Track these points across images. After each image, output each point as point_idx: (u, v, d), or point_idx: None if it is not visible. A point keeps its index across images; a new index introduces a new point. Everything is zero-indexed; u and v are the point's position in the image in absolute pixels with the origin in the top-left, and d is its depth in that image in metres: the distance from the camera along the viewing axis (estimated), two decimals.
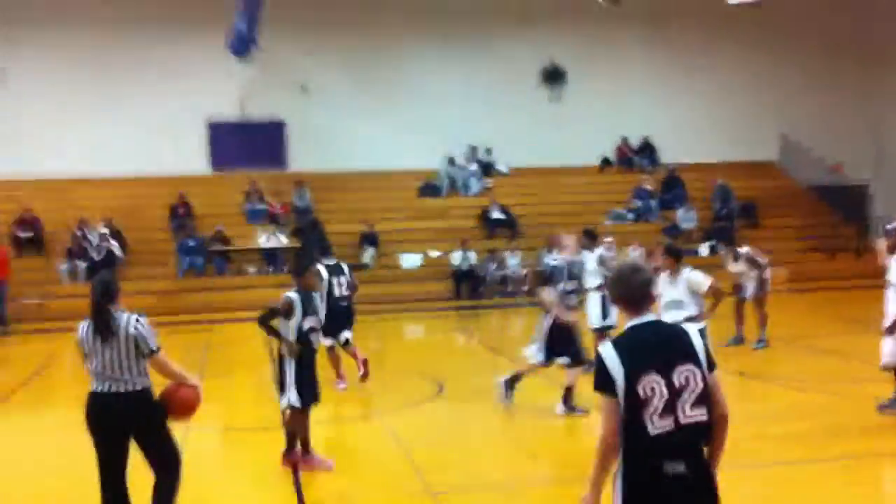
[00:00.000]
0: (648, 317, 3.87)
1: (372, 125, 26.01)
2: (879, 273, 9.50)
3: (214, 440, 9.79)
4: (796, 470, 7.69)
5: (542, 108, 27.09)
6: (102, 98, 24.86)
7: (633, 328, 3.86)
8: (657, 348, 3.79)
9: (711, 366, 3.84)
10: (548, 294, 9.65)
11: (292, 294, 7.74)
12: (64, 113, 24.53)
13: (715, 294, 9.01)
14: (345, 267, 11.73)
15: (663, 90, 28.08)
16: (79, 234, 21.61)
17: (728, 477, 7.44)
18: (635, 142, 28.19)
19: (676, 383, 3.72)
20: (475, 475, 7.79)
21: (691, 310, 8.58)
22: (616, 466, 3.83)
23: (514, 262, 22.69)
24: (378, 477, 7.76)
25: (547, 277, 9.70)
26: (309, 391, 7.73)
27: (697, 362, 3.77)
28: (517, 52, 27.02)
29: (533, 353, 9.77)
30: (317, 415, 8.19)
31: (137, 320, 5.63)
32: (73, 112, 24.60)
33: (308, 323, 7.74)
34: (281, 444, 8.79)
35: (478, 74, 26.93)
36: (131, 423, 5.64)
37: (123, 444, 5.71)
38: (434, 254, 23.30)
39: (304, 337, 7.70)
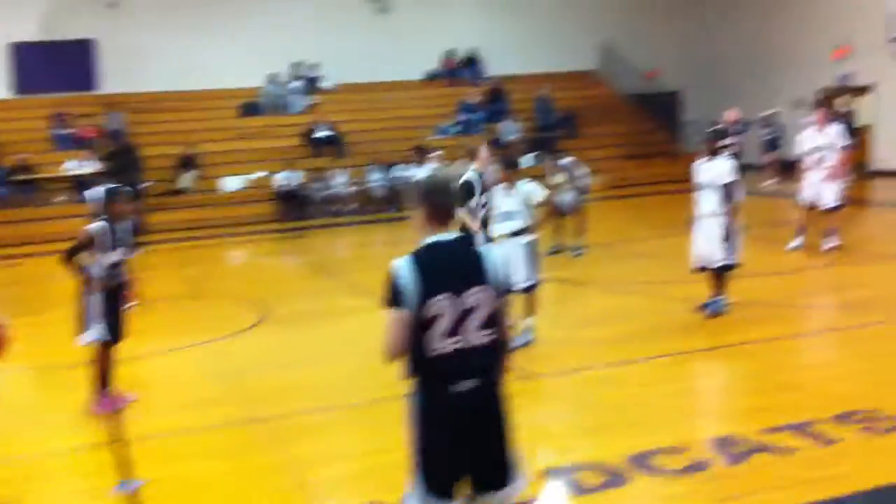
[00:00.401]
0: (450, 234, 3.78)
1: (189, 42, 24.82)
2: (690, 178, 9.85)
3: (26, 380, 9.29)
4: (613, 371, 7.96)
5: (367, 21, 26.59)
6: None
7: (434, 245, 3.76)
8: (454, 268, 3.72)
9: (505, 290, 3.82)
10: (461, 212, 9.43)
11: (95, 225, 7.27)
12: None
13: (547, 206, 9.15)
14: None
15: (487, 2, 28.03)
16: None
17: (546, 382, 7.70)
18: (460, 55, 28.12)
19: (467, 304, 3.67)
20: (301, 398, 7.67)
21: (522, 221, 8.61)
22: (409, 388, 3.79)
23: (340, 181, 22.38)
24: (201, 407, 7.51)
25: (467, 192, 9.11)
26: (115, 327, 7.37)
27: (490, 285, 3.73)
28: None
29: None
30: (133, 348, 7.85)
31: None
32: None
33: (114, 256, 7.33)
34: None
35: None
36: None
37: None
38: (257, 175, 22.64)
39: (110, 271, 7.31)
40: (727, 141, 9.70)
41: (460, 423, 3.69)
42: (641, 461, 5.72)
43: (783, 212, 18.68)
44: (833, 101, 19.47)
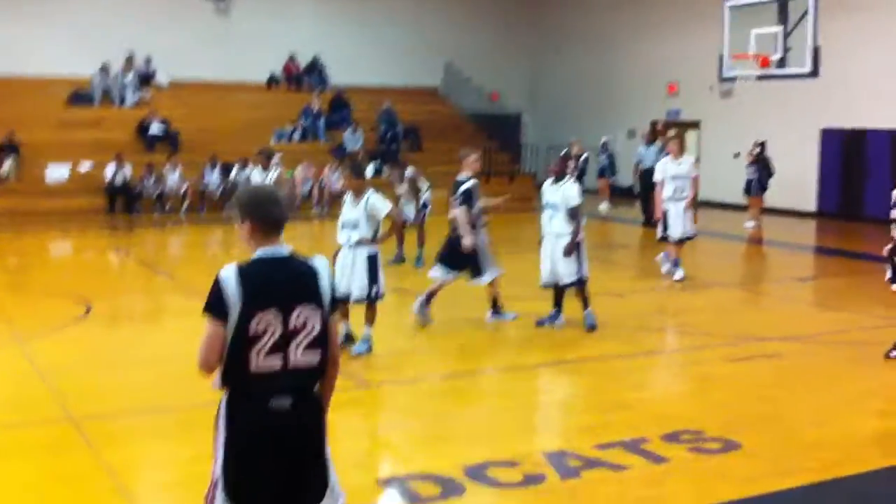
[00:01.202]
0: (281, 249, 3.59)
1: (18, 26, 23.49)
2: (529, 197, 10.04)
3: None
4: (450, 382, 7.96)
5: (208, 20, 25.97)
6: None
7: (261, 259, 3.57)
8: (282, 284, 3.53)
9: (331, 309, 3.65)
10: (462, 213, 9.48)
11: None
12: None
13: (393, 219, 9.07)
14: None
15: (334, 11, 27.86)
16: None
17: (383, 391, 7.61)
18: (304, 60, 27.80)
19: (292, 324, 3.50)
20: (125, 400, 7.28)
21: (365, 232, 8.47)
22: (219, 407, 3.58)
23: (173, 177, 21.62)
24: (10, 405, 7.00)
25: (466, 197, 9.50)
26: None
27: (320, 304, 3.57)
28: None
29: (437, 271, 9.85)
30: None
31: None
32: None
33: None
34: None
35: None
36: None
37: None
38: (85, 167, 21.57)
39: None
40: (571, 165, 9.94)
41: (272, 440, 3.50)
42: (477, 473, 5.70)
43: (617, 234, 19.43)
44: (666, 133, 20.32)
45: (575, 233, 9.40)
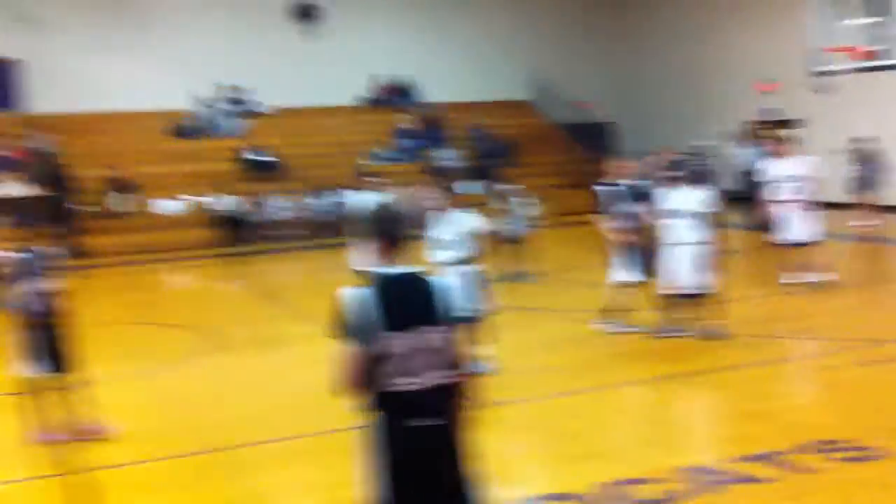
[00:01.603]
0: (405, 266, 3.65)
1: (117, 63, 24.33)
2: None
3: None
4: (572, 399, 7.91)
5: (296, 45, 26.45)
6: None
7: (388, 277, 3.61)
8: (411, 303, 3.58)
9: (459, 324, 3.69)
10: (607, 222, 9.89)
11: (16, 253, 6.90)
12: None
13: (487, 236, 9.07)
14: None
15: (421, 29, 28.09)
16: None
17: (505, 411, 7.60)
18: (393, 81, 28.10)
19: (423, 342, 3.54)
20: (256, 428, 7.44)
21: (462, 251, 8.47)
22: (365, 430, 3.64)
23: (278, 205, 22.09)
24: (153, 438, 7.23)
25: (609, 202, 9.87)
26: (51, 360, 6.95)
27: (448, 322, 3.61)
28: None
29: (622, 275, 9.94)
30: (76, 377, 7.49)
31: None
32: None
33: (40, 285, 6.88)
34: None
35: (226, 8, 25.75)
36: None
37: None
38: (190, 199, 22.20)
39: (36, 301, 6.87)
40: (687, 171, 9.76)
41: (418, 459, 3.56)
42: (614, 491, 5.65)
43: (726, 239, 18.98)
44: (776, 133, 19.75)
45: (712, 241, 9.29)
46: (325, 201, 22.41)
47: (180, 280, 17.75)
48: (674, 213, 9.37)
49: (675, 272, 9.39)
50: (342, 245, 19.99)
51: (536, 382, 8.51)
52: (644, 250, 9.78)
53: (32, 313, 6.87)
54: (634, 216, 9.86)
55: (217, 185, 21.90)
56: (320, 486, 6.14)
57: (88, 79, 23.99)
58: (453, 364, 3.61)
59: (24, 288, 6.81)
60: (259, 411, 7.95)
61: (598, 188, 10.18)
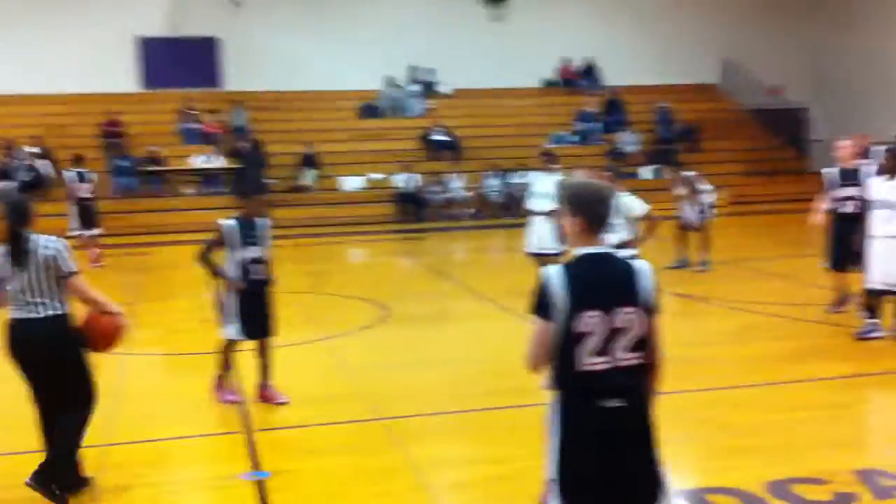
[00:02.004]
0: (603, 247, 3.64)
1: (310, 44, 25.32)
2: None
3: (153, 366, 9.51)
4: (748, 392, 7.68)
5: (484, 27, 26.67)
6: (29, 14, 23.74)
7: (586, 257, 3.61)
8: (606, 283, 3.56)
9: (655, 310, 3.64)
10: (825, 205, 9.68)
11: (227, 221, 7.16)
12: None
13: (649, 220, 8.91)
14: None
15: (606, 11, 27.74)
16: (5, 155, 20.73)
17: (676, 401, 7.47)
18: (578, 63, 27.88)
19: (616, 324, 3.51)
20: (424, 400, 7.64)
21: (623, 234, 8.37)
22: (550, 408, 3.65)
23: (456, 184, 22.43)
24: (323, 403, 7.55)
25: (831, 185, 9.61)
26: (252, 324, 7.26)
27: (642, 305, 3.56)
28: None
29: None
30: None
31: (55, 240, 5.30)
32: None
33: (250, 253, 7.20)
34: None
35: None
36: (51, 349, 5.30)
37: (50, 372, 5.38)
38: (375, 176, 22.90)
39: (245, 268, 7.19)
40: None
41: (605, 440, 3.54)
42: (781, 489, 5.47)
43: None
44: None
45: None
46: (504, 182, 22.57)
47: (359, 253, 18.35)
48: (885, 204, 8.81)
49: (879, 266, 8.87)
50: (518, 226, 20.27)
51: (708, 373, 8.31)
52: (852, 239, 9.26)
53: (244, 280, 7.19)
54: (852, 201, 9.40)
55: (400, 163, 22.45)
56: (477, 460, 6.24)
57: (284, 58, 25.08)
58: (645, 347, 3.60)
59: (237, 255, 7.15)
60: (425, 384, 8.14)
61: (825, 171, 9.75)
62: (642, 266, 3.66)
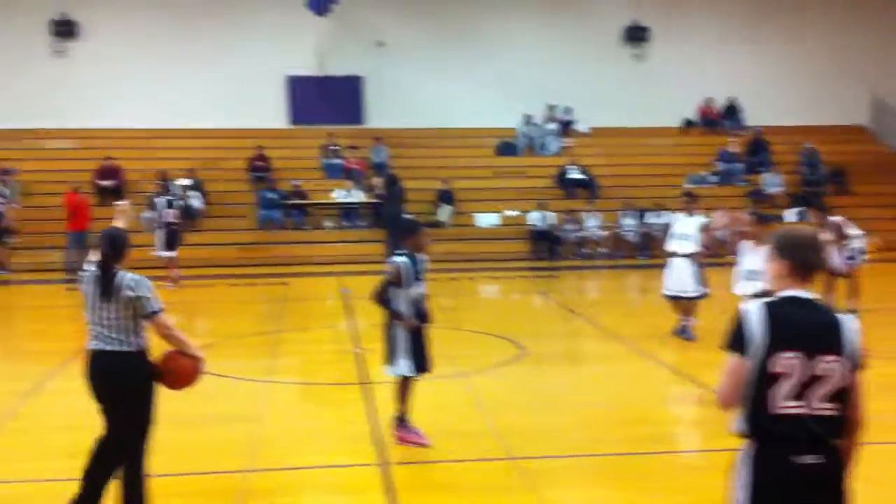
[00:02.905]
0: (809, 293, 3.57)
1: (450, 82, 25.75)
2: None
3: (292, 395, 9.77)
4: None
5: (624, 66, 26.61)
6: (185, 53, 25.07)
7: (789, 299, 3.55)
8: (807, 327, 3.48)
9: (858, 366, 3.53)
10: None
11: (402, 259, 7.19)
12: (146, 68, 24.85)
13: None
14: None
15: (750, 50, 27.14)
16: (160, 185, 21.82)
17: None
18: (720, 103, 27.38)
19: (817, 370, 3.43)
20: (558, 441, 7.60)
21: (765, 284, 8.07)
22: (739, 454, 3.58)
23: (592, 223, 22.31)
24: (458, 439, 7.60)
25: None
26: (421, 360, 7.33)
27: (844, 357, 3.47)
28: (600, 8, 26.51)
29: None
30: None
31: (138, 280, 5.39)
32: (154, 67, 24.89)
33: (419, 289, 7.29)
34: (357, 399, 8.76)
35: (559, 32, 26.40)
36: (121, 384, 5.39)
37: (119, 403, 5.44)
38: (510, 213, 23.02)
39: (416, 305, 7.29)
40: None
41: (799, 493, 3.43)
42: None
43: None
44: None
45: None
46: (640, 221, 22.32)
47: (493, 290, 18.42)
48: None
49: None
50: (654, 266, 19.93)
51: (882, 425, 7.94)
52: None
53: (417, 315, 7.28)
54: None
55: (535, 200, 22.50)
56: None
57: (424, 96, 25.59)
58: (846, 402, 3.50)
59: (410, 292, 7.21)
60: (559, 425, 8.10)
61: None
62: (849, 318, 3.58)
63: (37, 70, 24.65)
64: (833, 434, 3.49)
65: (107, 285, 5.35)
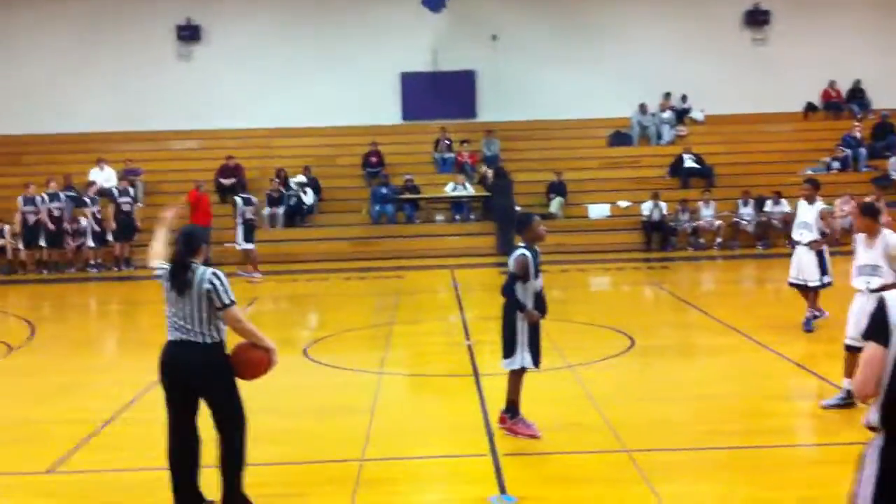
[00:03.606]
0: None
1: (562, 73, 25.58)
2: None
3: (405, 386, 9.93)
4: None
5: (742, 51, 25.97)
6: (302, 54, 25.68)
7: None
8: None
9: None
10: None
11: (524, 252, 7.21)
12: (266, 68, 25.57)
13: None
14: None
15: (875, 30, 26.06)
16: (278, 181, 22.42)
17: None
18: (844, 86, 26.38)
19: None
20: (672, 434, 7.51)
21: (888, 276, 7.72)
22: (867, 446, 3.47)
23: (707, 213, 21.84)
24: (571, 431, 7.60)
25: None
26: (536, 353, 7.36)
27: None
28: None
29: None
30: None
31: (214, 274, 5.62)
32: (274, 68, 25.60)
33: (539, 281, 7.31)
34: (469, 391, 8.83)
35: (676, 18, 25.88)
36: (199, 375, 5.62)
37: (192, 395, 5.70)
38: (623, 204, 22.74)
39: (537, 297, 7.32)
40: None
41: None
42: None
43: None
44: None
45: None
46: (756, 210, 21.75)
47: (605, 282, 18.26)
48: None
49: None
50: (771, 256, 19.42)
51: None
52: None
53: (537, 308, 7.27)
54: None
55: (650, 190, 22.16)
56: (732, 500, 6.10)
57: (537, 88, 25.51)
58: None
59: (532, 285, 7.25)
60: (672, 417, 7.99)
61: None
62: None
63: (162, 73, 25.63)
64: None
65: (181, 280, 5.59)
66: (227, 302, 5.60)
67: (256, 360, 5.74)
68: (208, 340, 5.61)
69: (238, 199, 18.98)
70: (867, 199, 14.07)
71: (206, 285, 5.57)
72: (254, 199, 19.46)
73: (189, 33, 25.72)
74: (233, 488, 5.72)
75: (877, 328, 3.40)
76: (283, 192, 22.36)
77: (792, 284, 11.48)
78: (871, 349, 3.39)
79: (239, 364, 5.73)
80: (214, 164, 23.34)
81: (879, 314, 3.40)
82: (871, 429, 3.45)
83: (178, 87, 25.52)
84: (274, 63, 25.53)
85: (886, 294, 3.43)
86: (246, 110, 25.33)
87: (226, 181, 22.92)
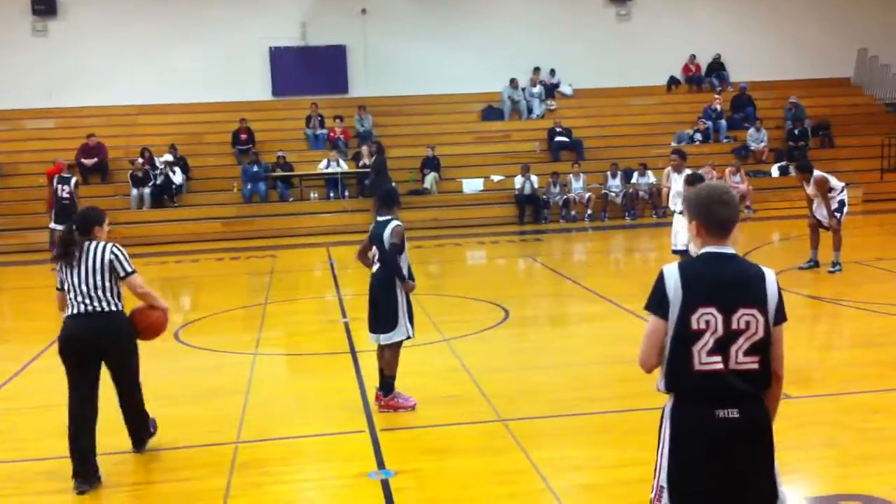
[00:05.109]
0: (726, 248, 3.58)
1: (433, 49, 25.59)
2: None
3: (280, 366, 9.80)
4: (882, 398, 7.39)
5: (607, 27, 26.52)
6: (166, 27, 24.81)
7: (706, 256, 3.58)
8: (725, 283, 3.49)
9: (780, 318, 3.55)
10: None
11: (401, 222, 7.37)
12: (127, 43, 24.60)
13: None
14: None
15: (734, 7, 27.02)
16: (142, 161, 21.70)
17: (807, 405, 7.25)
18: (704, 60, 27.29)
19: (734, 325, 3.45)
20: (548, 402, 7.63)
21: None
22: (662, 412, 3.63)
23: (577, 185, 22.28)
24: (447, 403, 7.64)
25: None
26: (412, 323, 7.46)
27: (764, 310, 3.48)
28: None
29: None
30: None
31: (115, 246, 6.15)
32: (136, 42, 24.65)
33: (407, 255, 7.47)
34: (346, 368, 8.78)
35: None
36: (107, 341, 6.08)
37: (96, 363, 6.11)
38: (496, 178, 22.97)
39: (409, 270, 7.45)
40: None
41: (719, 450, 3.46)
42: None
43: None
44: None
45: None
46: (622, 182, 22.30)
47: (479, 255, 18.44)
48: None
49: None
50: (639, 226, 19.99)
51: (843, 377, 8.04)
52: None
53: (410, 279, 7.43)
54: None
55: (520, 165, 22.44)
56: (603, 463, 6.22)
57: (408, 63, 25.45)
58: (765, 353, 3.52)
59: (406, 257, 7.39)
60: (547, 386, 8.13)
61: None
62: (769, 271, 3.59)
63: (17, 50, 24.36)
64: (754, 387, 3.51)
65: (66, 254, 6.05)
66: (129, 270, 6.15)
67: (155, 319, 6.36)
68: (113, 308, 6.09)
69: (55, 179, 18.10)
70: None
71: (109, 255, 6.07)
72: (74, 178, 18.41)
73: (44, 7, 24.50)
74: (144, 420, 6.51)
75: (656, 301, 3.53)
76: (150, 171, 21.64)
77: (675, 252, 11.83)
78: (651, 322, 3.54)
79: (140, 325, 6.29)
80: (74, 144, 22.40)
81: (659, 286, 3.53)
82: (666, 392, 3.61)
83: (33, 64, 24.33)
84: (135, 36, 24.58)
85: (665, 267, 3.55)
86: (107, 87, 24.35)
87: (87, 161, 22.07)
